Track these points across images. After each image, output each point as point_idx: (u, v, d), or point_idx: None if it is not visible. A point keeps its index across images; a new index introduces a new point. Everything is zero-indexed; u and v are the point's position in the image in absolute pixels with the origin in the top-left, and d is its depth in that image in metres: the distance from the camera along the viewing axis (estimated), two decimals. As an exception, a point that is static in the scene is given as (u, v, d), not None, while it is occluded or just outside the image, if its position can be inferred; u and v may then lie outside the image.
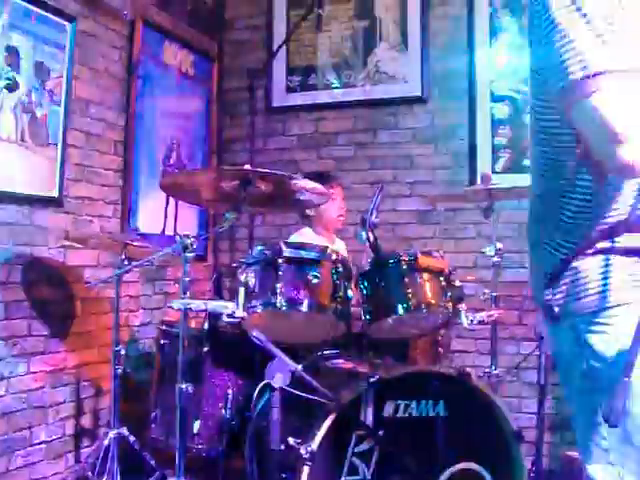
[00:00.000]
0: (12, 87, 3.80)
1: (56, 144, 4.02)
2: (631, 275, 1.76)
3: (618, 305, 1.75)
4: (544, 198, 1.93)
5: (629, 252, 1.77)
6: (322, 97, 5.39)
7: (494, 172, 4.75)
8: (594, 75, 1.58)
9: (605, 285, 1.77)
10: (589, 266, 1.80)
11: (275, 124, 5.51)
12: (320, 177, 4.27)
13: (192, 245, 2.99)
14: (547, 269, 1.89)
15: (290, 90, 5.47)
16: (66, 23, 4.08)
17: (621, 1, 1.62)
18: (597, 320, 1.77)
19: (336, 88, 5.33)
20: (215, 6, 5.62)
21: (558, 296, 1.86)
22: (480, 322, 3.38)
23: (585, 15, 1.60)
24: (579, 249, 1.81)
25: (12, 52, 3.71)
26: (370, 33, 5.25)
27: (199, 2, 5.41)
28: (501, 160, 4.81)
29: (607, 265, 1.78)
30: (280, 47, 4.74)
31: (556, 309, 1.88)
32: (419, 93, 5.08)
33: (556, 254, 1.87)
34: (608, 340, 1.75)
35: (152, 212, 4.85)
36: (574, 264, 1.81)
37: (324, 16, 4.69)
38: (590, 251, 1.80)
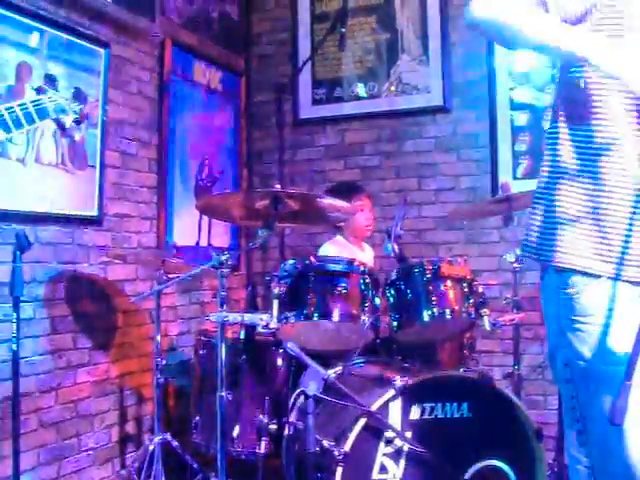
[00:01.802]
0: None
1: (94, 166, 4.18)
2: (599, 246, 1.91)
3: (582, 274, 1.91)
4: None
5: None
6: (348, 108, 5.51)
7: (515, 178, 4.88)
8: None
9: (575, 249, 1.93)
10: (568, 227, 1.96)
11: (303, 136, 5.63)
12: (349, 188, 4.44)
13: (227, 261, 3.17)
14: (538, 224, 2.05)
15: (316, 102, 5.61)
16: (100, 49, 4.24)
17: None
18: (575, 318, 1.93)
19: (361, 99, 5.47)
20: (241, 23, 5.78)
21: (548, 244, 2.01)
22: (502, 325, 3.53)
23: None
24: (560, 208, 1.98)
25: (51, 80, 3.89)
26: (392, 45, 5.37)
27: (225, 20, 5.57)
28: (521, 166, 4.92)
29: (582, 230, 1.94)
30: (305, 63, 4.89)
31: (542, 254, 2.03)
32: (441, 103, 5.19)
33: (544, 213, 2.03)
34: (584, 338, 1.91)
35: (186, 225, 5.01)
36: (559, 223, 1.98)
37: (347, 28, 4.82)
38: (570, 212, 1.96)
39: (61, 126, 3.94)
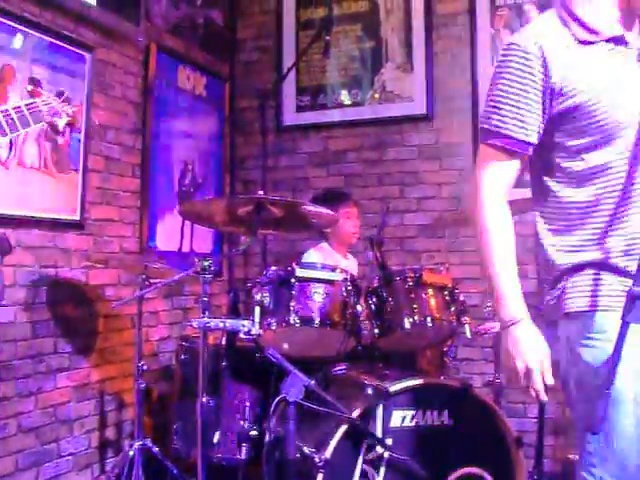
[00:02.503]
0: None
1: (77, 169, 4.16)
2: (615, 288, 1.93)
3: (602, 310, 1.93)
4: (545, 211, 2.13)
5: (616, 269, 1.94)
6: (331, 116, 5.53)
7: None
8: (485, 130, 2.12)
9: (591, 293, 1.96)
10: (579, 275, 1.99)
11: (286, 142, 5.64)
12: (337, 196, 4.46)
13: (210, 267, 3.17)
14: (547, 275, 2.09)
15: (300, 109, 5.62)
16: (85, 53, 4.23)
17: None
18: (587, 334, 1.94)
19: (345, 106, 5.49)
20: (226, 29, 5.78)
21: (553, 301, 2.05)
22: (483, 333, 3.55)
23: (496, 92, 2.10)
24: (572, 258, 2.01)
25: (35, 83, 3.88)
26: (377, 53, 5.40)
27: (210, 26, 5.58)
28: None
29: (594, 276, 1.97)
30: (290, 70, 4.90)
31: (551, 312, 2.07)
32: (424, 111, 5.22)
33: (553, 261, 2.06)
34: (596, 354, 1.91)
35: (169, 231, 5.01)
36: (568, 272, 2.01)
37: (332, 36, 4.83)
38: (582, 261, 1.98)
39: (55, 129, 3.93)
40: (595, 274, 1.96)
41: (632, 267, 1.88)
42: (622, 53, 1.99)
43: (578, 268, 1.99)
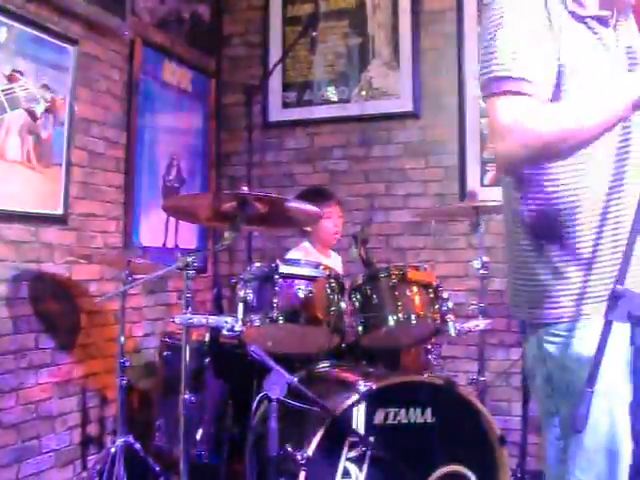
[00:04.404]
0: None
1: (60, 164, 4.13)
2: (592, 290, 1.91)
3: (577, 320, 1.91)
4: (511, 214, 2.07)
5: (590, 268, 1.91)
6: (317, 112, 5.51)
7: (482, 185, 4.91)
8: (502, 78, 1.83)
9: (566, 299, 1.93)
10: (552, 279, 1.94)
11: (272, 138, 5.62)
12: (318, 195, 4.42)
13: (193, 262, 3.15)
14: (518, 281, 2.04)
15: (286, 105, 5.60)
16: (69, 46, 4.20)
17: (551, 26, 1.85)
18: (554, 331, 1.93)
19: (331, 103, 5.48)
20: (212, 24, 5.76)
21: (524, 307, 2.02)
22: (468, 331, 3.54)
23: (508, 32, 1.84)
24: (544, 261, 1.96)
25: (17, 75, 3.85)
26: (363, 50, 5.39)
27: (197, 21, 5.55)
28: (489, 174, 4.93)
29: (569, 279, 1.93)
30: (276, 66, 4.88)
31: (524, 318, 2.05)
32: (411, 108, 5.21)
33: (526, 267, 2.01)
34: (563, 349, 1.91)
35: (153, 226, 4.97)
36: (540, 276, 1.97)
37: (318, 32, 4.81)
38: (554, 264, 1.94)
39: (32, 116, 3.89)
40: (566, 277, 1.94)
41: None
42: (603, 38, 1.91)
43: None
